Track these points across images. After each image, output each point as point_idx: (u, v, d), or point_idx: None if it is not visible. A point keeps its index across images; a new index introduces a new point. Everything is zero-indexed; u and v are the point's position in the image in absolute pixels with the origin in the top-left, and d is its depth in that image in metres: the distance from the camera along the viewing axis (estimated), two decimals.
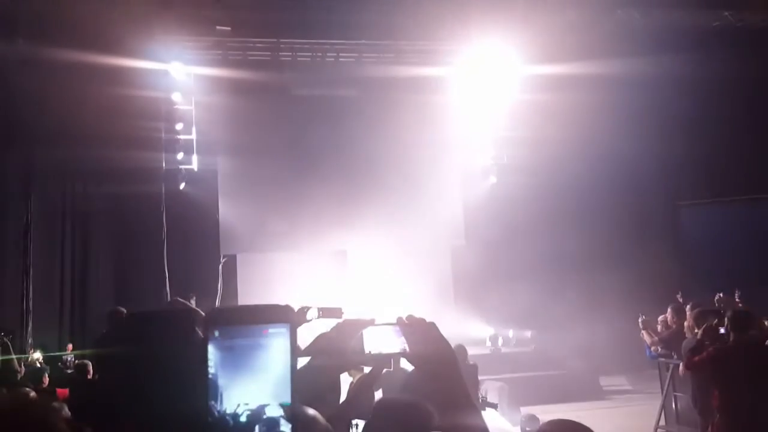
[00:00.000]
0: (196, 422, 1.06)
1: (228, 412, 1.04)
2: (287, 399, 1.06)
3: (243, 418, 1.04)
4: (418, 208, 12.99)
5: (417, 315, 1.44)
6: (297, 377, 1.08)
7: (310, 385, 1.46)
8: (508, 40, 12.40)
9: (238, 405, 1.05)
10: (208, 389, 1.05)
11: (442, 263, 13.92)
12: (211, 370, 1.06)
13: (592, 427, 1.83)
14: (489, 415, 5.60)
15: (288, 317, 1.10)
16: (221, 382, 1.06)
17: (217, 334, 1.08)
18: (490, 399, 8.18)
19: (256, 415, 1.05)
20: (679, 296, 9.59)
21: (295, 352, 1.09)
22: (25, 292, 11.16)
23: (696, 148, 12.97)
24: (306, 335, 1.84)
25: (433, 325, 1.40)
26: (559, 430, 1.88)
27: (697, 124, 12.72)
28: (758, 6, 12.48)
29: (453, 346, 1.46)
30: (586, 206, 13.54)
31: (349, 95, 13.21)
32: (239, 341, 1.08)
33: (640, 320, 7.98)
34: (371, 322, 1.39)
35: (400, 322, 1.40)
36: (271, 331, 1.09)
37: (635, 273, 12.74)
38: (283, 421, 1.05)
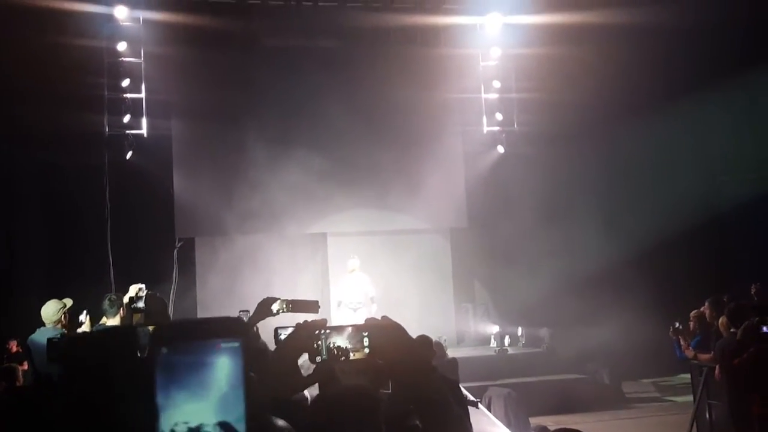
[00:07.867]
0: None
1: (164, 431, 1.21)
2: (237, 416, 1.21)
3: None
4: (411, 183, 13.02)
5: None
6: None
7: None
8: None
9: (176, 424, 1.21)
10: (156, 410, 1.21)
11: (440, 250, 14.08)
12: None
13: None
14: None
15: (241, 330, 1.28)
16: (162, 401, 1.22)
17: (164, 351, 1.25)
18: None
19: None
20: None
21: (247, 367, 1.24)
22: None
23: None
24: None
25: (399, 326, 1.55)
26: None
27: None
28: None
29: (433, 342, 1.80)
30: (610, 183, 13.72)
31: (330, 47, 13.29)
32: (188, 358, 1.24)
33: (671, 330, 8.22)
34: (323, 324, 1.56)
35: (369, 322, 1.58)
36: (223, 346, 1.26)
37: (666, 260, 13.03)
38: None
